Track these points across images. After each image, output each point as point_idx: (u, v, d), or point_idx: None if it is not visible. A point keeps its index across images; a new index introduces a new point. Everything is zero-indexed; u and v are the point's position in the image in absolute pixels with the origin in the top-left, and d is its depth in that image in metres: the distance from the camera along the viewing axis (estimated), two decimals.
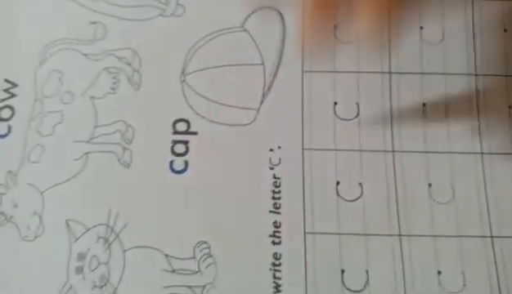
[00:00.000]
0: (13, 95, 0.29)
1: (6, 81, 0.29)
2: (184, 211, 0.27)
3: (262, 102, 0.29)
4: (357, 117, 0.28)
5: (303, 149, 0.28)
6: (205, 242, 0.26)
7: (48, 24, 0.30)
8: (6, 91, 0.29)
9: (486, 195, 0.27)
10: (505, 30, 0.30)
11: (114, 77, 0.29)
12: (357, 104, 0.29)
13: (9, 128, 0.28)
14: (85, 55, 0.29)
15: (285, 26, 0.30)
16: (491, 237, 0.26)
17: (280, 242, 0.26)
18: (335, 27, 0.30)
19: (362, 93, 0.29)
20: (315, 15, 0.25)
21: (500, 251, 0.26)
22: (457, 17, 0.30)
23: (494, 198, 0.27)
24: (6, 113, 0.28)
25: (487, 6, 0.30)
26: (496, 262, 0.26)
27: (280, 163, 0.27)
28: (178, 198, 0.27)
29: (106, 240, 0.26)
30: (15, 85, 0.29)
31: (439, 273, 0.26)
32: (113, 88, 0.29)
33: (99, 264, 0.25)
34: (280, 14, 0.30)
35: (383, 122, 0.28)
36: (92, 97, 0.29)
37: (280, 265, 0.26)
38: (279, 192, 0.27)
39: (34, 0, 0.30)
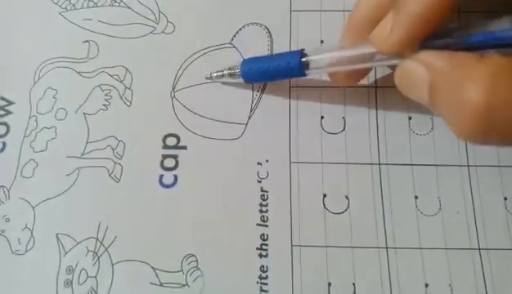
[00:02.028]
0: (8, 113, 0.30)
1: (2, 99, 0.30)
2: (172, 224, 0.27)
3: (250, 117, 0.29)
4: (343, 130, 0.29)
5: (290, 162, 0.28)
6: (193, 256, 0.26)
7: (43, 43, 0.31)
8: (1, 108, 0.30)
9: (473, 207, 0.27)
10: None
11: (106, 94, 0.30)
12: (344, 118, 0.29)
13: (3, 145, 0.29)
14: (79, 72, 0.30)
15: (273, 41, 0.30)
16: (479, 249, 0.27)
17: (267, 255, 0.26)
18: (322, 42, 0.30)
19: (348, 107, 0.29)
20: None
21: (488, 263, 0.26)
22: None
23: (481, 209, 0.27)
24: (1, 130, 0.29)
25: None
26: (484, 274, 0.26)
27: (267, 177, 0.28)
28: (167, 211, 0.27)
29: (95, 253, 0.26)
30: (10, 103, 0.30)
31: (426, 285, 0.26)
32: (105, 105, 0.29)
33: (87, 277, 0.26)
34: (268, 30, 0.30)
35: (369, 135, 0.29)
36: (84, 113, 0.29)
37: (267, 277, 0.26)
38: (266, 205, 0.27)
39: (29, 20, 0.31)
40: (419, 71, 0.22)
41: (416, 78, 0.22)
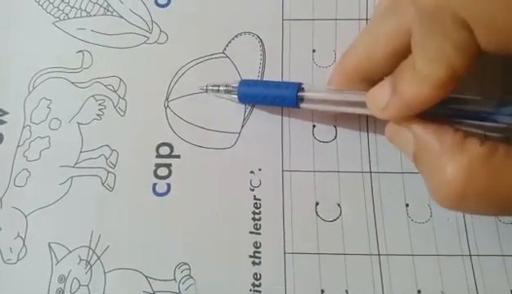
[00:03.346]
0: (2, 122, 0.30)
1: None
2: (165, 232, 0.27)
3: (242, 126, 0.29)
4: (334, 139, 0.29)
5: (282, 170, 0.28)
6: (186, 264, 0.26)
7: (37, 53, 0.31)
8: None
9: (463, 214, 0.27)
10: None
11: (100, 104, 0.30)
12: (335, 127, 0.29)
13: None
14: (73, 83, 0.30)
15: (265, 51, 0.31)
16: (470, 255, 0.27)
17: (260, 263, 0.26)
18: (314, 51, 0.31)
19: (340, 117, 0.29)
20: None
21: (480, 269, 0.26)
22: None
23: (471, 216, 0.27)
24: None
25: None
26: (475, 280, 0.26)
27: (260, 185, 0.28)
28: (160, 220, 0.27)
29: (88, 262, 0.26)
30: (5, 112, 0.30)
31: (419, 292, 0.26)
32: (99, 114, 0.30)
33: (80, 286, 0.26)
34: (260, 39, 0.31)
35: (360, 143, 0.29)
36: (78, 123, 0.29)
37: (260, 285, 0.26)
38: (259, 213, 0.27)
39: (23, 30, 0.31)
40: (407, 137, 0.23)
41: (404, 141, 0.24)
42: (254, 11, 0.31)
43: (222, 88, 0.29)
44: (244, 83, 0.29)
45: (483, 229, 0.27)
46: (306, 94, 0.27)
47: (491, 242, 0.27)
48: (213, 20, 0.31)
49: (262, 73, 0.30)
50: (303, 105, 0.27)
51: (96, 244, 0.27)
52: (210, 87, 0.29)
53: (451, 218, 0.27)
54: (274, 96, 0.27)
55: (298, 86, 0.27)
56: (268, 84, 0.29)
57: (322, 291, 0.26)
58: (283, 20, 0.31)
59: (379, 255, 0.27)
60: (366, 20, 0.31)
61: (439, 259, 0.27)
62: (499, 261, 0.27)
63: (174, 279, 0.26)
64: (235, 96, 0.28)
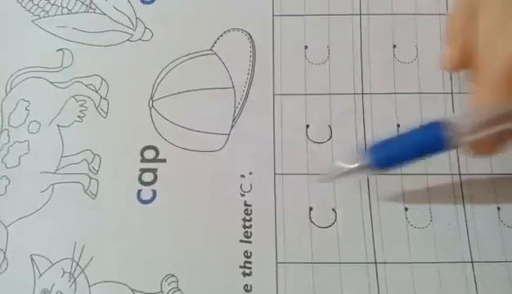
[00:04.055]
0: None
1: None
2: (151, 242, 0.26)
3: (232, 127, 0.28)
4: (329, 139, 0.28)
5: (274, 174, 0.27)
6: (173, 276, 0.25)
7: (15, 52, 0.29)
8: None
9: (465, 218, 0.26)
10: None
11: (81, 105, 0.28)
12: (330, 127, 0.28)
13: None
14: (52, 83, 0.29)
15: (255, 48, 0.29)
16: (472, 262, 0.25)
17: (250, 274, 0.25)
18: (306, 48, 0.29)
19: (335, 115, 0.28)
20: None
21: (481, 276, 0.25)
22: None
23: (473, 220, 0.26)
24: None
25: None
26: (477, 289, 0.25)
27: (251, 190, 0.27)
28: (146, 229, 0.26)
29: (71, 275, 0.25)
30: None
31: None
32: (80, 116, 0.28)
33: None
34: (250, 36, 0.29)
35: (356, 143, 0.27)
36: (58, 126, 0.28)
37: None
38: (250, 220, 0.26)
39: (0, 29, 0.30)
40: None
41: None
42: (244, 6, 0.30)
43: (351, 167, 0.24)
44: (376, 149, 0.24)
45: (486, 233, 0.26)
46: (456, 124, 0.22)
47: (494, 248, 0.26)
48: (201, 15, 0.30)
49: (253, 71, 0.29)
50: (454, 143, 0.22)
51: (80, 256, 0.25)
52: (335, 174, 0.24)
53: (452, 222, 0.26)
54: (418, 154, 0.23)
55: (441, 126, 0.22)
56: (403, 139, 0.24)
57: None
58: (273, 15, 0.29)
59: (375, 263, 0.25)
60: (360, 14, 0.29)
61: (439, 267, 0.25)
62: (502, 268, 0.25)
63: (161, 292, 0.25)
64: (367, 170, 0.24)
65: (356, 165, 0.24)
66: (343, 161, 0.24)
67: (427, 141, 0.23)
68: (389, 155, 0.23)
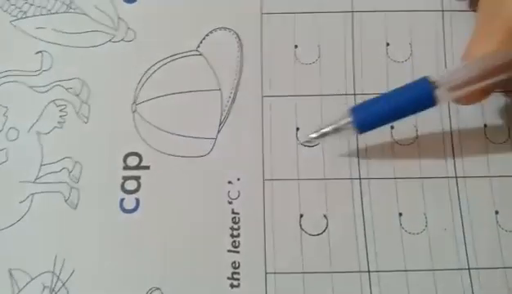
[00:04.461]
0: None
1: None
2: (135, 254, 0.25)
3: (219, 131, 0.27)
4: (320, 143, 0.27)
5: (263, 180, 0.26)
6: (158, 289, 0.24)
7: None
8: None
9: (462, 223, 0.25)
10: None
11: (61, 110, 0.27)
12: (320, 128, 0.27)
13: None
14: (31, 87, 0.27)
15: (243, 48, 0.28)
16: (469, 269, 0.25)
17: (238, 285, 0.24)
18: (296, 47, 0.28)
19: (326, 116, 0.27)
20: None
21: (479, 284, 0.24)
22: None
23: (470, 225, 0.25)
24: None
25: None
26: None
27: (239, 197, 0.26)
28: (129, 239, 0.25)
29: (52, 290, 0.24)
30: None
31: None
32: (60, 122, 0.27)
33: None
34: (238, 35, 0.28)
35: (348, 147, 0.26)
36: (38, 133, 0.27)
37: None
38: (238, 228, 0.25)
39: None
40: None
41: None
42: (230, 4, 0.28)
43: (329, 129, 0.24)
44: (358, 109, 0.24)
45: (484, 238, 0.25)
46: (440, 82, 0.23)
47: (491, 254, 0.25)
48: (186, 14, 0.28)
49: (240, 72, 0.27)
50: (440, 95, 0.23)
51: (61, 269, 0.24)
52: (312, 135, 0.25)
53: (448, 227, 0.25)
54: (403, 106, 0.23)
55: (427, 80, 0.23)
56: (389, 96, 0.24)
57: None
58: (262, 13, 0.28)
59: (368, 272, 0.24)
60: (352, 12, 0.28)
61: (435, 274, 0.24)
62: (500, 275, 0.24)
63: None
64: (351, 131, 0.24)
65: (341, 122, 0.24)
66: (329, 122, 0.24)
67: (413, 95, 0.23)
68: (374, 111, 0.24)
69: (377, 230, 0.25)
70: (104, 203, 0.25)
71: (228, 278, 0.24)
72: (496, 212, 0.25)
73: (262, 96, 0.27)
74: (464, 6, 0.28)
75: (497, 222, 0.25)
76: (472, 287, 0.24)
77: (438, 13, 0.28)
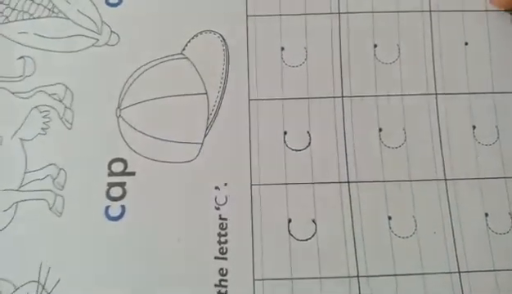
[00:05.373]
0: None
1: None
2: (121, 262, 0.24)
3: (206, 135, 0.26)
4: (308, 146, 0.26)
5: (251, 185, 0.26)
6: None
7: None
8: None
9: (451, 226, 0.25)
10: (466, 43, 0.28)
11: (44, 116, 0.27)
12: (308, 133, 0.26)
13: None
14: (13, 93, 0.27)
15: (229, 51, 0.27)
16: (459, 272, 0.24)
17: (226, 293, 0.24)
18: (282, 49, 0.27)
19: (314, 119, 0.26)
20: None
21: (469, 287, 0.24)
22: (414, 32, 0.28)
23: (460, 228, 0.25)
24: None
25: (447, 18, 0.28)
26: None
27: (226, 202, 0.25)
28: (115, 247, 0.24)
29: None
30: None
31: None
32: (44, 128, 0.26)
33: None
34: (223, 38, 0.28)
35: (337, 150, 0.26)
36: (21, 139, 0.26)
37: None
38: (225, 235, 0.25)
39: None
40: None
41: None
42: (215, 7, 0.28)
43: None
44: None
45: (474, 240, 0.25)
46: None
47: (481, 257, 0.25)
48: (170, 17, 0.28)
49: (226, 75, 0.27)
50: None
51: (46, 278, 0.24)
52: None
53: (437, 230, 0.25)
54: None
55: None
56: None
57: None
58: (247, 16, 0.28)
59: (358, 277, 0.24)
60: (339, 13, 0.28)
61: (425, 278, 0.24)
62: (490, 277, 0.24)
63: None
64: None
65: None
66: None
67: None
68: None
69: (366, 234, 0.25)
70: (89, 211, 0.25)
71: (216, 286, 0.24)
72: (486, 215, 0.25)
73: (249, 100, 0.27)
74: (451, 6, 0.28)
75: (487, 224, 0.25)
76: (462, 290, 0.24)
77: (426, 13, 0.28)
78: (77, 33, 0.28)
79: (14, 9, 0.29)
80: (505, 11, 0.28)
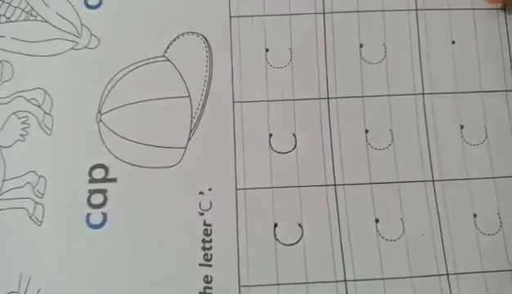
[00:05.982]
0: None
1: None
2: (103, 271, 0.24)
3: (189, 139, 0.26)
4: (294, 149, 0.26)
5: (236, 189, 0.25)
6: None
7: None
8: None
9: (440, 227, 0.25)
10: (453, 42, 0.27)
11: (23, 122, 0.26)
12: (294, 135, 0.26)
13: None
14: None
15: (212, 52, 0.27)
16: (447, 275, 0.24)
17: None
18: (267, 50, 0.27)
19: (299, 121, 0.26)
20: None
21: (458, 289, 0.24)
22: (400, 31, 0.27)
23: (448, 229, 0.25)
24: None
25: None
26: None
27: (211, 208, 0.25)
28: (96, 256, 0.24)
29: None
30: None
31: None
32: (22, 135, 0.26)
33: None
34: (206, 40, 0.27)
35: (323, 153, 0.26)
36: (0, 147, 0.26)
37: None
38: (210, 241, 0.24)
39: None
40: None
41: None
42: (197, 8, 0.27)
43: None
44: None
45: (462, 242, 0.24)
46: None
47: (470, 259, 0.24)
48: (152, 19, 0.27)
49: (210, 78, 0.27)
50: None
51: (26, 289, 0.23)
52: None
53: (426, 232, 0.25)
54: None
55: None
56: None
57: None
58: (230, 16, 0.27)
59: (345, 281, 0.24)
60: (323, 13, 0.27)
61: (413, 281, 0.24)
62: (479, 280, 0.24)
63: None
64: None
65: None
66: None
67: None
68: None
69: (353, 238, 0.24)
70: (70, 219, 0.24)
71: (200, 293, 0.23)
72: (475, 215, 0.25)
73: (233, 102, 0.26)
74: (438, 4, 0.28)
75: (476, 226, 0.25)
76: (451, 291, 0.24)
77: (412, 12, 0.27)
78: (56, 37, 0.27)
79: None
80: (500, 9, 0.27)
